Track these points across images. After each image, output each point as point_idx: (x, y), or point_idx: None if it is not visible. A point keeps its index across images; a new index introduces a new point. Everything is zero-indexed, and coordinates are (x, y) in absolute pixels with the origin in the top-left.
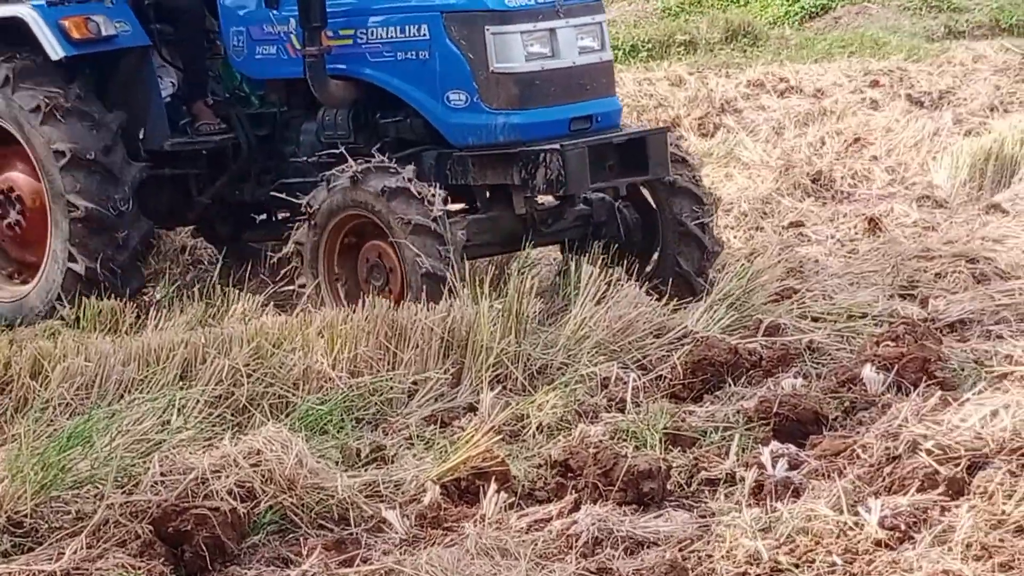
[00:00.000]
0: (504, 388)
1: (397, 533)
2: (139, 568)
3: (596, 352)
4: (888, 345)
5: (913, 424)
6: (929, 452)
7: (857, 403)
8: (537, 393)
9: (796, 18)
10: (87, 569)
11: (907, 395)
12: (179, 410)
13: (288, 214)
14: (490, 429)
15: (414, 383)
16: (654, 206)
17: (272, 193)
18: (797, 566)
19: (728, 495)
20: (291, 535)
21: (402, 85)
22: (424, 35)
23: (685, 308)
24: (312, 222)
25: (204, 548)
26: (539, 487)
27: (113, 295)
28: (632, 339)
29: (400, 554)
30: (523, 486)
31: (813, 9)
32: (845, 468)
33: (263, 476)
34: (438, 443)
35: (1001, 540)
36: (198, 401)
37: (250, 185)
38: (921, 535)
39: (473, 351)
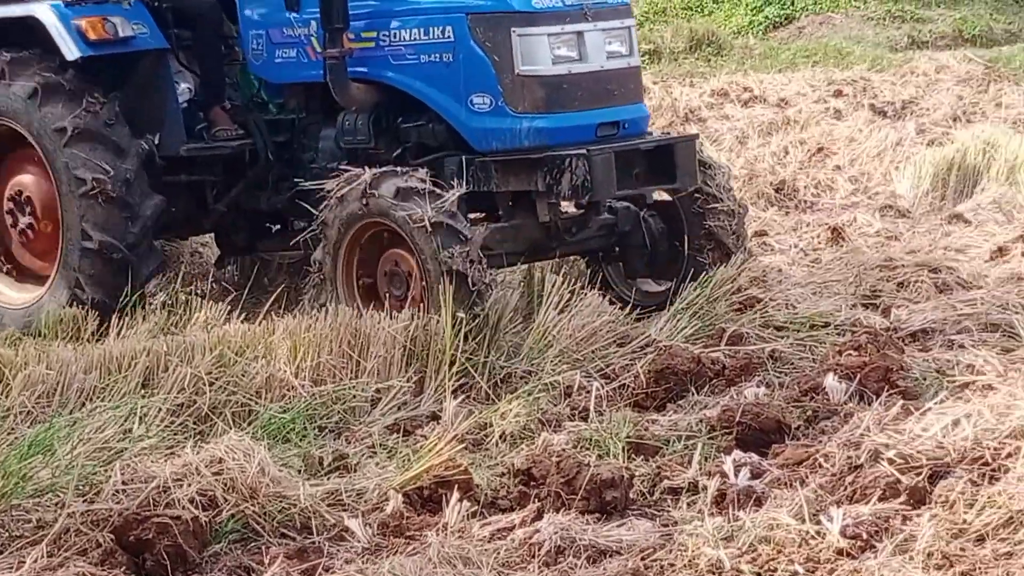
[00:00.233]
0: (467, 397)
1: (359, 542)
2: None
3: (559, 361)
4: (850, 354)
5: (875, 433)
6: (891, 461)
7: (819, 412)
8: (500, 402)
9: (760, 28)
10: None
11: (869, 404)
12: (141, 418)
13: (304, 224)
14: (453, 438)
15: (377, 391)
16: (682, 215)
17: (294, 200)
18: (759, 575)
19: (691, 504)
20: (253, 544)
21: (425, 88)
22: (448, 37)
23: (648, 317)
24: (327, 237)
25: (165, 557)
26: (502, 496)
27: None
28: (595, 348)
29: (362, 563)
30: (486, 495)
31: (777, 19)
32: (807, 477)
33: (225, 484)
34: (401, 452)
35: (962, 549)
36: (160, 409)
37: (267, 193)
38: (883, 544)
39: (435, 359)
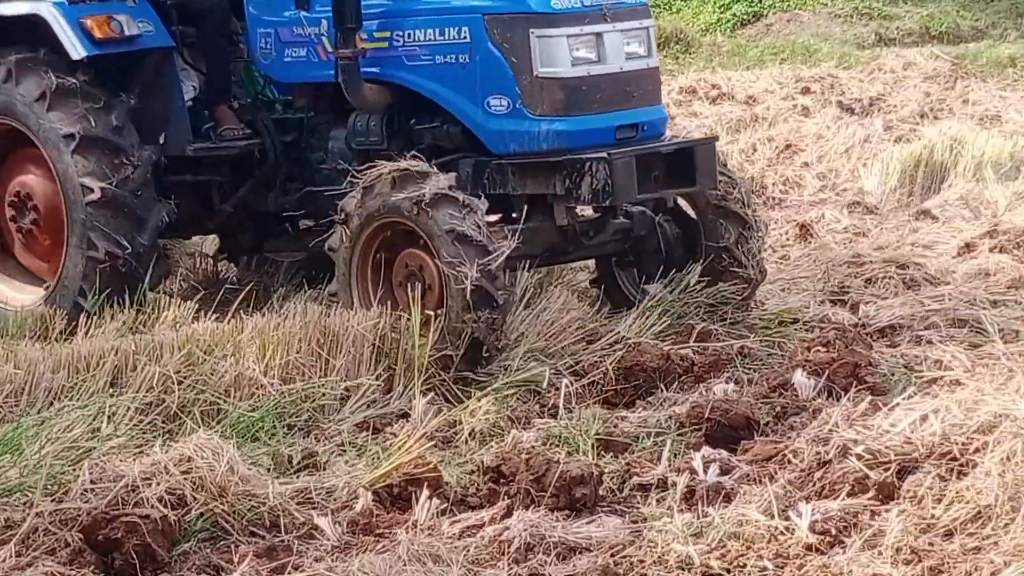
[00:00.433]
0: (436, 394)
1: (329, 540)
2: None
3: (528, 358)
4: (819, 350)
5: (843, 429)
6: (859, 457)
7: (788, 408)
8: (469, 399)
9: (728, 25)
10: None
11: (837, 400)
12: (109, 417)
13: (311, 225)
14: (422, 435)
15: (346, 389)
16: (697, 221)
17: (302, 200)
18: (729, 571)
19: (660, 500)
20: (222, 542)
21: (440, 90)
22: (465, 38)
23: (617, 314)
24: (345, 228)
25: (134, 556)
26: (471, 493)
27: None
28: (564, 345)
29: (332, 561)
30: (455, 492)
31: (745, 16)
32: (776, 473)
33: (194, 483)
34: (370, 450)
35: (930, 544)
36: (128, 408)
37: (275, 193)
38: (851, 539)
39: (404, 357)
